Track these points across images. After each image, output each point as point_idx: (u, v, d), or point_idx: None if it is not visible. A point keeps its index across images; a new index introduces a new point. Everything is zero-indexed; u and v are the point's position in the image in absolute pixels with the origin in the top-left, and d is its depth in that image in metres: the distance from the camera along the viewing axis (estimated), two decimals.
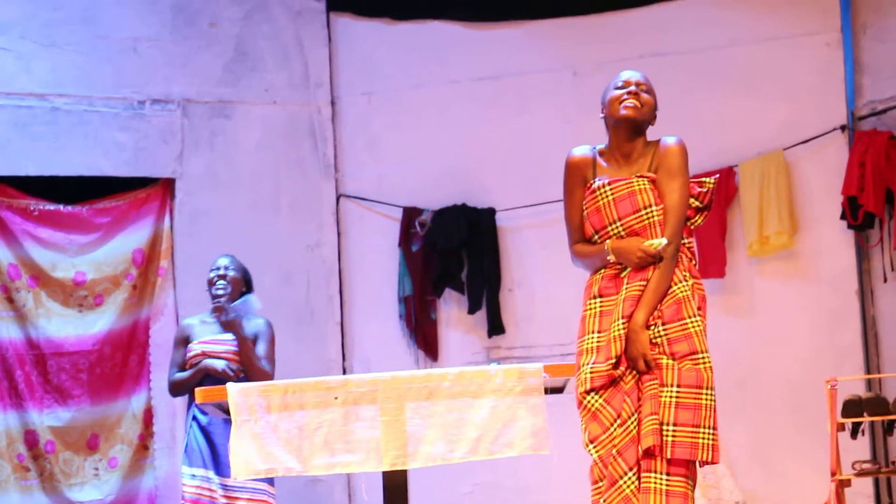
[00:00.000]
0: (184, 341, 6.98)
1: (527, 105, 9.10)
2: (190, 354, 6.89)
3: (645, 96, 4.99)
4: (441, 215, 9.03)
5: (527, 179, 9.00)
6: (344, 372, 8.93)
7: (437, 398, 5.31)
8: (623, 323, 4.84)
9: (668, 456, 4.69)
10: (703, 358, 4.76)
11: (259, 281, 8.97)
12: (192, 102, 8.96)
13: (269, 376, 6.80)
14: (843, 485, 7.14)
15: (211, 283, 7.00)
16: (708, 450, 4.70)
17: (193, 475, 6.78)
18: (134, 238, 8.72)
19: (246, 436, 5.26)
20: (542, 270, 8.91)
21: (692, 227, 4.98)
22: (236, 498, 6.71)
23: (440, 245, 8.96)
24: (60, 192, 8.61)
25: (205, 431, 6.80)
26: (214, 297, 6.97)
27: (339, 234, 9.27)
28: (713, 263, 8.48)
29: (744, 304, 8.59)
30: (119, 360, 8.56)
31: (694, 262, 4.94)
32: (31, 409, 8.32)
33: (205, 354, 6.84)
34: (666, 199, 4.88)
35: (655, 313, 4.81)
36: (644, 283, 4.85)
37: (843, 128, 8.44)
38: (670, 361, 4.75)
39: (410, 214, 9.11)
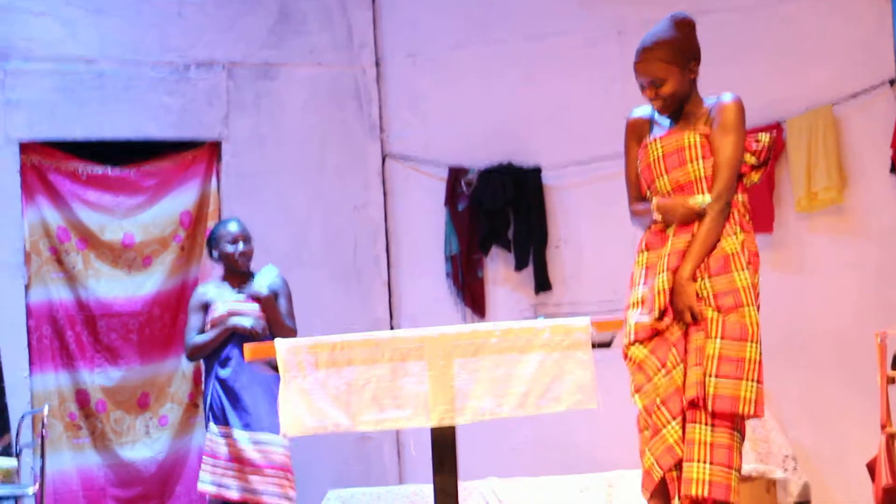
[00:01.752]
0: (202, 307, 7.11)
1: (571, 65, 9.07)
2: (215, 315, 7.02)
3: (663, 90, 4.96)
4: (487, 174, 9.03)
5: (572, 138, 8.99)
6: (392, 330, 8.96)
7: (485, 353, 5.32)
8: (668, 276, 4.85)
9: (710, 408, 4.70)
10: (750, 312, 4.76)
11: (305, 241, 9.05)
12: (237, 65, 8.98)
13: (294, 333, 6.97)
14: (893, 437, 7.11)
15: (233, 243, 7.13)
16: (750, 403, 4.69)
17: (219, 432, 6.96)
18: (181, 200, 8.77)
19: (294, 392, 5.29)
20: (588, 227, 8.91)
21: (748, 185, 4.96)
22: (259, 450, 6.86)
23: (486, 204, 8.96)
24: (108, 155, 8.67)
25: (227, 388, 6.95)
26: (237, 260, 7.13)
27: (385, 195, 9.29)
28: (761, 219, 8.43)
29: (792, 259, 8.56)
30: (168, 321, 8.63)
31: (747, 217, 4.92)
32: (82, 369, 8.40)
33: (231, 314, 6.97)
34: (718, 154, 4.87)
35: (702, 266, 4.82)
36: (690, 236, 4.86)
37: (891, 82, 8.35)
38: (716, 314, 4.75)
39: (456, 174, 9.12)
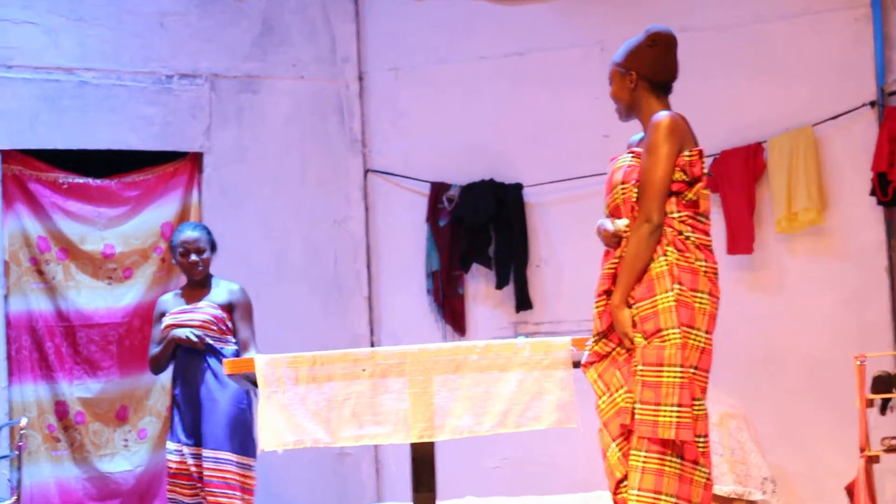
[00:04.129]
0: (160, 318, 7.07)
1: (554, 81, 9.07)
2: (161, 328, 6.99)
3: (616, 102, 5.08)
4: (469, 191, 9.03)
5: (554, 155, 8.99)
6: (372, 346, 8.95)
7: (465, 371, 5.33)
8: (598, 300, 4.93)
9: (637, 434, 4.71)
10: (669, 335, 4.71)
11: (286, 255, 9.03)
12: (219, 77, 8.97)
13: (246, 346, 6.92)
14: (871, 461, 7.12)
15: (182, 256, 7.04)
16: (669, 428, 4.65)
17: (172, 449, 6.93)
18: (162, 211, 8.74)
19: (274, 407, 5.28)
20: (569, 246, 8.90)
21: (685, 201, 4.90)
22: (210, 467, 6.78)
23: (468, 220, 8.96)
24: (89, 165, 8.64)
25: (177, 403, 6.94)
26: (189, 271, 7.06)
27: (366, 209, 9.28)
28: (741, 240, 8.45)
29: (772, 280, 8.57)
30: (148, 333, 8.56)
31: (685, 235, 4.86)
32: (62, 381, 8.36)
33: (171, 326, 6.91)
34: (642, 174, 4.87)
35: (632, 292, 4.82)
36: (616, 261, 4.88)
37: (872, 104, 8.38)
38: (641, 340, 4.76)
39: (438, 190, 9.12)
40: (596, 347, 4.94)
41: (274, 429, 5.28)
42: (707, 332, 4.79)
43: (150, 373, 7.23)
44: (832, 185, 8.46)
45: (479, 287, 9.08)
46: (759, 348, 8.46)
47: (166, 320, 6.96)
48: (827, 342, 8.38)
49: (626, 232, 4.88)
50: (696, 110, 5.02)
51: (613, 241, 4.92)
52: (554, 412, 5.29)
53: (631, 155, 4.96)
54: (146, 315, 8.56)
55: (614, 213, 4.97)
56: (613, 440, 4.83)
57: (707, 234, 4.89)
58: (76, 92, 8.58)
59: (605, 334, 4.91)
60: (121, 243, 8.61)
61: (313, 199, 9.15)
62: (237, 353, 6.90)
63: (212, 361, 6.84)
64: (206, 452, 6.78)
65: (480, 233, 8.99)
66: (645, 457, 4.71)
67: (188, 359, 6.89)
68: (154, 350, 7.02)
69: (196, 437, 6.83)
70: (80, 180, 8.60)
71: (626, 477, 4.80)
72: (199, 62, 8.90)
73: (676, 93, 5.10)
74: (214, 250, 7.14)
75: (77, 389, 8.39)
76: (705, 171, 4.89)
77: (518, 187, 9.01)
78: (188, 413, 6.86)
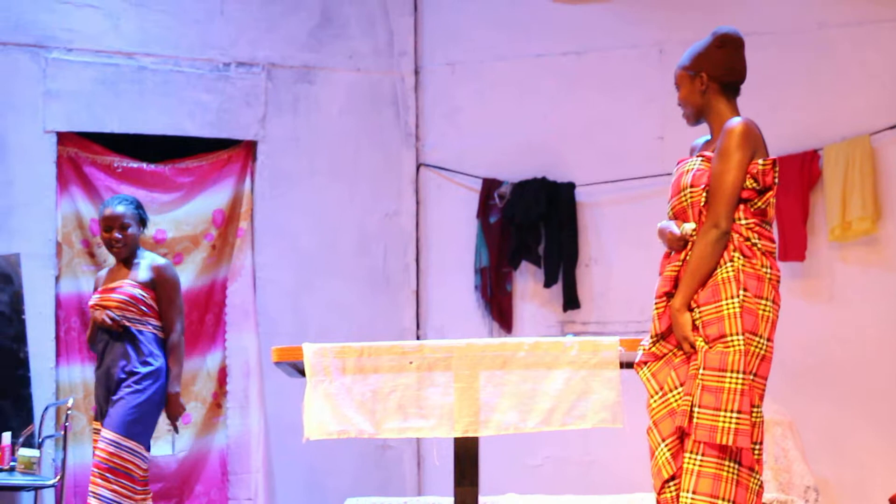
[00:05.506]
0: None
1: (611, 82, 9.05)
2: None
3: (678, 97, 5.04)
4: (520, 188, 9.01)
5: (608, 155, 8.97)
6: (418, 340, 8.94)
7: (512, 367, 5.32)
8: (658, 302, 4.89)
9: (693, 437, 4.69)
10: (733, 341, 4.68)
11: (336, 246, 9.04)
12: (276, 66, 8.99)
13: (172, 326, 6.76)
14: None
15: (104, 232, 6.83)
16: (728, 434, 4.63)
17: (93, 429, 6.80)
18: (215, 198, 8.78)
19: (320, 396, 5.29)
20: (620, 247, 8.88)
21: (753, 209, 4.88)
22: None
23: (518, 218, 8.95)
24: (143, 150, 8.69)
25: (96, 385, 6.79)
26: (110, 247, 6.85)
27: (417, 203, 9.28)
28: (794, 247, 8.40)
29: (823, 288, 8.51)
30: (196, 319, 8.63)
31: (752, 242, 4.84)
32: None
33: (94, 306, 6.76)
34: (713, 180, 4.84)
35: (696, 296, 4.80)
36: (679, 264, 4.86)
37: None
38: (703, 344, 4.73)
39: (490, 186, 9.10)
40: (652, 349, 4.92)
41: (319, 418, 5.28)
42: (769, 340, 4.78)
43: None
44: (887, 195, 8.40)
45: (528, 285, 9.06)
46: (808, 356, 8.40)
47: (92, 300, 6.82)
48: (876, 352, 8.32)
49: (692, 236, 4.85)
50: (753, 115, 4.98)
51: (678, 244, 4.89)
52: (600, 412, 5.27)
53: (701, 158, 4.93)
54: (194, 301, 8.61)
55: (679, 216, 4.94)
56: (663, 440, 4.81)
57: (772, 241, 4.88)
58: (134, 76, 8.63)
59: (662, 336, 4.89)
60: (172, 229, 8.65)
61: (365, 192, 9.16)
62: (157, 335, 6.74)
63: (129, 343, 6.66)
64: (102, 430, 6.61)
65: (530, 230, 8.97)
66: (701, 461, 4.69)
67: (106, 340, 6.70)
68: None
69: (100, 414, 6.71)
70: (135, 165, 8.65)
71: (672, 477, 4.79)
72: (256, 51, 8.93)
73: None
74: (144, 226, 6.95)
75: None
76: (776, 180, 4.87)
77: (570, 186, 8.99)
78: (102, 394, 6.71)
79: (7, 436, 7.56)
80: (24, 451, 7.57)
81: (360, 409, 5.29)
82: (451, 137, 9.29)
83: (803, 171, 8.45)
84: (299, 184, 8.99)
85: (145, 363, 6.64)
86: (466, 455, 5.44)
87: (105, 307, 6.69)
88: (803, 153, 8.45)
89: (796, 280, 8.44)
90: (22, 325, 8.07)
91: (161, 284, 6.77)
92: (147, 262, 6.82)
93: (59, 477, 7.60)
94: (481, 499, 5.53)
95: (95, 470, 6.50)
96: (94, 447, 6.68)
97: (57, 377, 8.28)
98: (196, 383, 8.60)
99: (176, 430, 6.87)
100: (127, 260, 6.83)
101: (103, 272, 6.97)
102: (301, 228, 8.95)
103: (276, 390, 8.45)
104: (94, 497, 6.48)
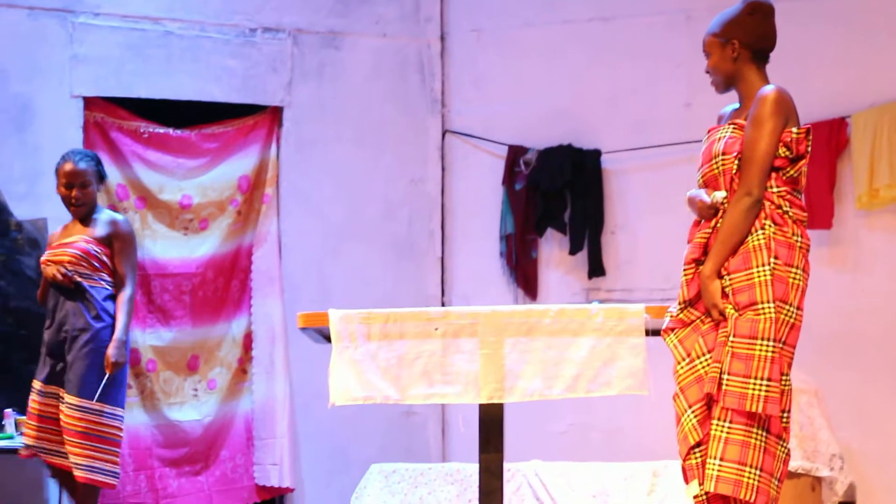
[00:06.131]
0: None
1: (637, 48, 9.01)
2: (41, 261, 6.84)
3: (707, 64, 5.01)
4: (546, 155, 9.00)
5: (634, 123, 8.94)
6: (443, 307, 8.96)
7: (537, 334, 5.33)
8: (686, 269, 4.88)
9: (722, 404, 4.69)
10: (764, 309, 4.69)
11: (361, 213, 9.05)
12: (302, 32, 8.98)
13: (123, 282, 6.73)
14: None
15: (64, 189, 6.81)
16: (758, 401, 4.63)
17: (37, 388, 6.75)
18: (240, 164, 8.78)
19: (345, 362, 5.30)
20: (645, 214, 8.86)
21: (785, 177, 4.87)
22: (67, 413, 6.59)
23: (544, 185, 8.93)
24: (168, 115, 8.69)
25: (44, 342, 6.75)
26: (69, 205, 6.83)
27: (443, 170, 9.28)
28: (820, 215, 8.37)
29: (848, 256, 8.48)
30: (221, 285, 8.65)
31: (784, 210, 4.82)
32: (134, 328, 8.41)
33: (46, 261, 6.74)
34: (746, 147, 4.83)
35: (727, 263, 4.79)
36: (709, 231, 4.85)
37: None
38: (733, 311, 4.73)
39: (515, 153, 9.09)
40: (680, 315, 4.92)
41: (344, 384, 5.30)
42: (798, 308, 4.78)
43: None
44: None
45: (553, 252, 9.06)
46: (834, 324, 8.37)
47: (45, 255, 6.82)
48: None
49: (723, 204, 4.84)
50: (781, 82, 4.95)
51: (709, 212, 4.89)
52: (625, 379, 5.27)
53: (733, 126, 4.91)
54: (220, 267, 8.63)
55: (709, 184, 4.93)
56: (690, 406, 4.82)
57: (804, 210, 4.87)
58: (161, 41, 8.63)
59: (690, 303, 4.89)
60: (198, 194, 8.66)
61: (390, 158, 9.16)
62: (110, 291, 6.73)
63: (80, 300, 6.67)
64: (69, 399, 6.58)
65: (556, 198, 8.96)
66: (729, 428, 4.69)
67: (56, 296, 6.71)
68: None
69: (57, 378, 6.68)
70: (161, 130, 8.66)
71: (698, 444, 4.79)
72: (282, 16, 8.92)
73: None
74: (102, 182, 6.97)
75: (149, 337, 8.47)
76: (809, 149, 4.86)
77: (596, 153, 8.97)
78: (52, 352, 6.70)
79: None
80: None
81: (386, 375, 5.30)
82: (477, 104, 9.27)
83: (831, 138, 8.41)
84: (325, 150, 8.99)
85: (97, 318, 6.64)
86: (491, 422, 5.45)
87: (58, 262, 6.68)
88: (831, 120, 8.40)
89: (822, 248, 8.40)
90: None
91: (117, 239, 6.79)
92: (104, 217, 6.85)
93: None
94: (506, 465, 5.54)
95: (84, 440, 6.53)
96: (35, 406, 6.67)
97: None
98: (221, 349, 8.63)
99: (109, 375, 6.65)
100: (84, 217, 6.84)
101: (58, 229, 6.96)
102: (326, 195, 8.96)
103: (301, 356, 8.48)
104: (88, 470, 6.53)
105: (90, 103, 8.47)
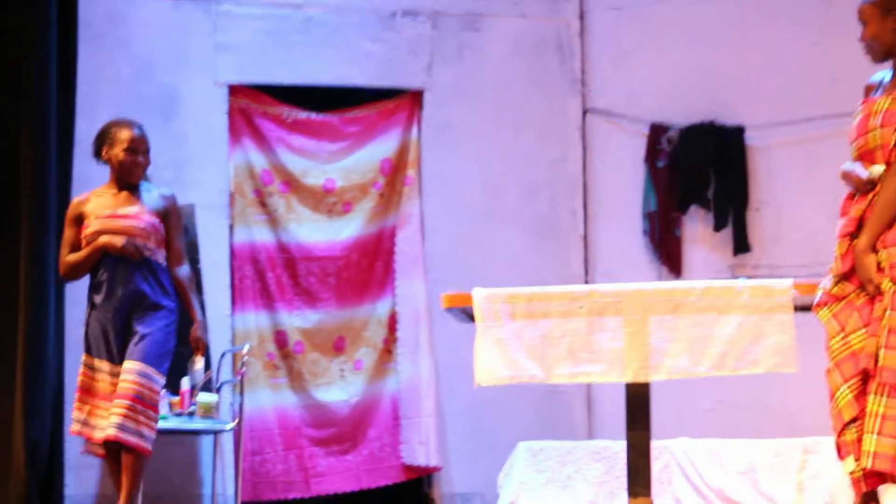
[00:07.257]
0: (76, 220, 6.61)
1: (779, 23, 8.88)
2: (87, 231, 6.54)
3: (864, 34, 4.91)
4: (688, 133, 8.92)
5: (777, 98, 8.83)
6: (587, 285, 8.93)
7: (683, 312, 5.30)
8: (840, 242, 4.83)
9: (879, 379, 4.61)
10: None
11: (502, 193, 9.06)
12: (441, 14, 9.01)
13: (182, 256, 6.64)
14: None
15: (129, 154, 6.58)
16: None
17: (90, 363, 6.55)
18: (382, 147, 8.85)
19: (490, 342, 5.33)
20: (790, 190, 8.75)
21: None
22: (120, 380, 6.38)
23: (686, 162, 8.86)
24: (310, 100, 8.79)
25: (99, 316, 6.51)
26: (131, 171, 6.58)
27: (584, 149, 9.25)
28: None
29: None
30: (365, 266, 8.73)
31: None
32: (281, 311, 8.56)
33: (100, 232, 6.50)
34: None
35: (882, 237, 4.71)
36: (865, 205, 4.77)
37: None
38: (890, 285, 4.64)
39: (657, 131, 9.03)
40: (833, 289, 4.85)
41: (489, 363, 5.33)
42: None
43: (62, 277, 6.76)
44: None
45: (697, 229, 8.98)
46: None
47: (94, 225, 6.51)
48: None
49: (881, 178, 4.76)
50: None
51: (866, 187, 4.81)
52: (773, 356, 5.22)
53: (891, 98, 4.82)
54: (363, 249, 8.71)
55: (865, 158, 4.85)
56: (845, 381, 4.75)
57: None
58: (302, 27, 8.72)
59: (844, 276, 4.82)
60: (341, 178, 8.75)
61: (531, 139, 9.15)
62: (165, 266, 6.60)
63: (150, 274, 6.53)
64: (128, 363, 6.38)
65: (699, 175, 8.89)
66: (887, 403, 4.62)
67: (115, 270, 6.48)
68: (73, 257, 6.55)
69: (116, 353, 6.48)
70: (304, 115, 8.76)
71: (854, 419, 4.73)
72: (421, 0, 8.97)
73: None
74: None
75: (296, 319, 8.58)
76: None
77: (739, 130, 8.87)
78: (112, 328, 6.47)
79: (186, 381, 7.75)
80: (202, 397, 7.75)
81: (531, 354, 5.32)
82: (617, 82, 9.22)
83: None
84: (465, 132, 9.01)
85: (166, 294, 6.57)
86: (638, 399, 5.45)
87: (126, 234, 6.49)
88: None
89: None
90: (197, 275, 8.25)
91: (174, 213, 6.69)
92: (157, 191, 6.71)
93: (237, 421, 7.77)
94: (652, 443, 5.53)
95: (128, 402, 6.28)
96: (86, 379, 6.50)
97: (233, 324, 8.46)
98: (367, 329, 8.71)
99: (203, 358, 6.67)
100: (132, 186, 6.67)
101: (90, 195, 6.67)
102: (467, 176, 8.98)
103: (445, 336, 8.52)
104: (133, 434, 6.31)
105: (234, 90, 8.60)
